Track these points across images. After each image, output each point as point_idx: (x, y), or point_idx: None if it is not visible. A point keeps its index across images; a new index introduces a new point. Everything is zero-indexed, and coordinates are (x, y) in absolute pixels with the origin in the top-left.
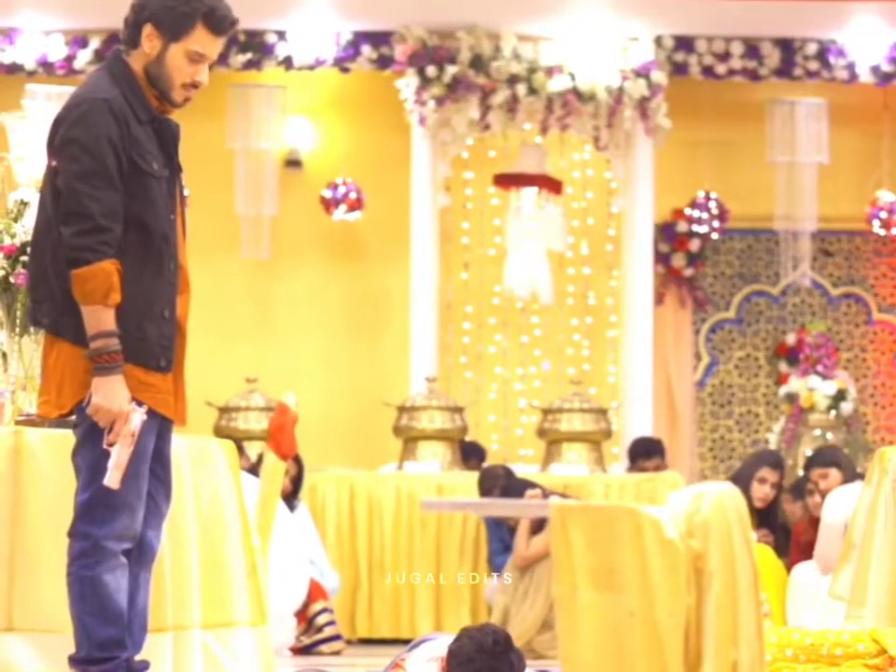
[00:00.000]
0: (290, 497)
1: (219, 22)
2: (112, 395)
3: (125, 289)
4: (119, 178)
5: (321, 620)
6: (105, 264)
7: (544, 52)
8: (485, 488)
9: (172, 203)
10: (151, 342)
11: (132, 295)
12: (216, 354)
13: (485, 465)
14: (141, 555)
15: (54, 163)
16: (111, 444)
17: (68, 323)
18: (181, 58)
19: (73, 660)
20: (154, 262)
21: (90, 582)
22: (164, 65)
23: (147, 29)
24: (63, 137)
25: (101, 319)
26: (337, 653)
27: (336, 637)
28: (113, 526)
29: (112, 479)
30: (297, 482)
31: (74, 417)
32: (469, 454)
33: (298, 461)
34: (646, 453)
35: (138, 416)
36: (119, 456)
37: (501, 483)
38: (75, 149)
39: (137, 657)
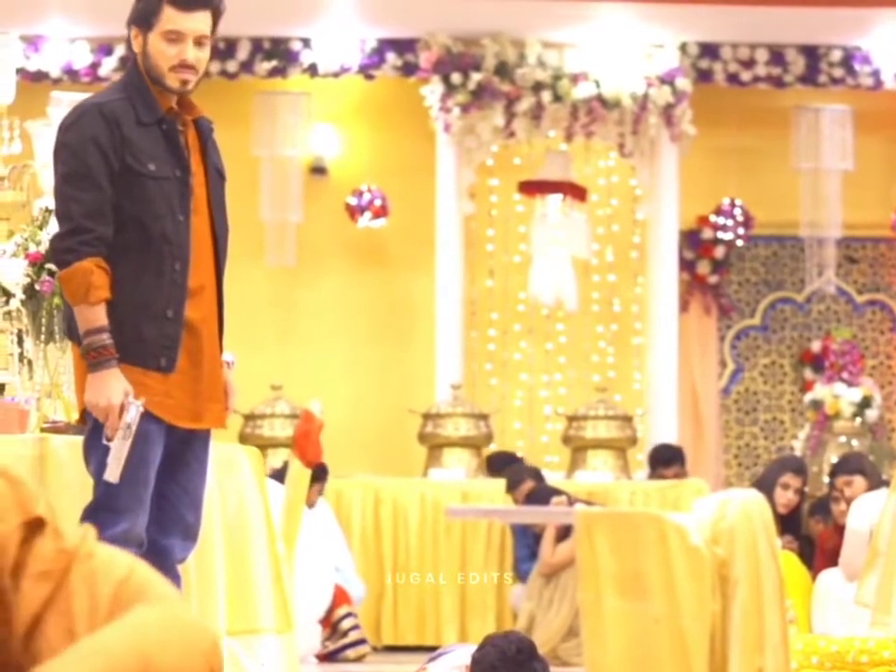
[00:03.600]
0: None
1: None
2: (101, 390)
3: (122, 289)
4: (107, 179)
5: (346, 624)
6: (85, 263)
7: (569, 59)
8: (513, 482)
9: (182, 205)
10: (149, 342)
11: (128, 295)
12: (240, 361)
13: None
14: (157, 564)
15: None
16: (109, 439)
17: (73, 326)
18: (160, 42)
19: None
20: (154, 262)
21: None
22: (149, 56)
23: (132, 32)
24: (57, 143)
25: (87, 318)
26: (362, 658)
27: (361, 642)
28: (113, 530)
29: (111, 473)
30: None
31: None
32: (504, 464)
33: (323, 468)
34: (665, 460)
35: (134, 409)
36: (115, 450)
37: (529, 478)
38: (63, 153)
39: None
